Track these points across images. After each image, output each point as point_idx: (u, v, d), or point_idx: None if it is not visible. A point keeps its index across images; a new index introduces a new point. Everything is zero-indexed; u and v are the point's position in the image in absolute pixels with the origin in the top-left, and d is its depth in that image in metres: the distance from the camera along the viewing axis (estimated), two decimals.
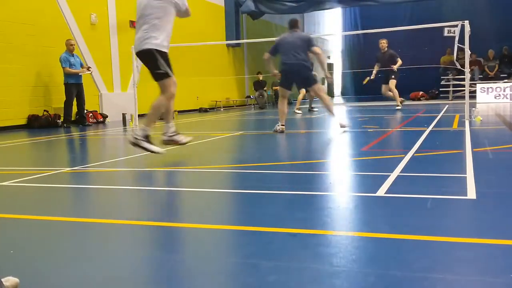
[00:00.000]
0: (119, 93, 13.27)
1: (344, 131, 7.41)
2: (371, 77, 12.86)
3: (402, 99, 13.03)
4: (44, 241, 2.53)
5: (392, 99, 12.89)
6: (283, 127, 7.74)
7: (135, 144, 4.89)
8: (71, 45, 11.01)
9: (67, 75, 10.79)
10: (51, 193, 3.84)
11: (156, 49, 4.77)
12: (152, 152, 4.88)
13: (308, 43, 7.68)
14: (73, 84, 10.86)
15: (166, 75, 4.79)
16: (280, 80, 8.01)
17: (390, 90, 12.71)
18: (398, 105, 12.59)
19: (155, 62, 4.75)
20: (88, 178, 4.51)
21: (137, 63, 11.37)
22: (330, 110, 7.99)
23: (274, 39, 10.47)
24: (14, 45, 10.30)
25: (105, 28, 12.77)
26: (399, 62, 12.56)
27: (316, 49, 7.68)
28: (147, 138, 4.78)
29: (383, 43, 12.79)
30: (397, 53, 12.68)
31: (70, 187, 4.11)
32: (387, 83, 12.69)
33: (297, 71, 7.67)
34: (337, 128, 7.68)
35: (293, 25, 7.93)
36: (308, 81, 7.91)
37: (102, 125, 11.40)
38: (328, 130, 8.62)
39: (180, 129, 7.34)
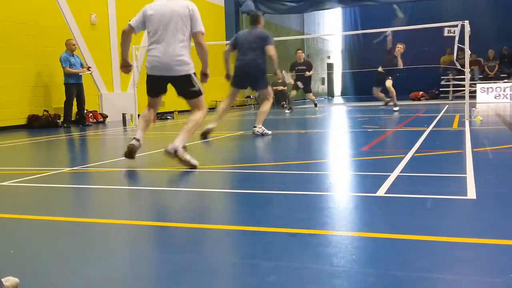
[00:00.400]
0: (119, 93, 13.27)
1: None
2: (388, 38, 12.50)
3: (389, 99, 12.62)
4: (44, 241, 2.53)
5: (385, 99, 12.67)
6: (209, 128, 7.12)
7: (178, 157, 4.51)
8: (73, 45, 11.01)
9: (67, 75, 10.78)
10: (51, 193, 3.84)
11: (194, 72, 4.81)
12: (192, 165, 4.48)
13: (264, 41, 7.26)
14: (73, 84, 10.85)
15: (201, 92, 4.86)
16: (232, 79, 7.66)
17: (381, 91, 12.47)
18: (395, 105, 12.26)
19: (192, 82, 4.78)
20: (88, 178, 4.51)
21: (137, 63, 11.39)
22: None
23: (274, 39, 10.55)
24: (14, 45, 10.30)
25: (105, 28, 12.77)
26: (401, 64, 12.30)
27: (270, 48, 7.23)
28: (185, 149, 4.58)
29: (400, 48, 12.45)
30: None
31: (70, 187, 4.11)
32: (378, 85, 12.45)
33: (251, 68, 7.32)
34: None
35: (253, 21, 7.52)
36: (257, 83, 7.50)
37: (102, 125, 11.40)
38: (328, 130, 8.63)
39: (180, 129, 7.34)
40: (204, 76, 4.95)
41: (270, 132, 7.46)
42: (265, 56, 7.37)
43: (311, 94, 14.46)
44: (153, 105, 5.08)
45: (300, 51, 14.16)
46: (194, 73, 4.80)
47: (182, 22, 4.70)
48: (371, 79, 12.60)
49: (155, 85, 4.92)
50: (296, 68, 13.76)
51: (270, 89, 7.67)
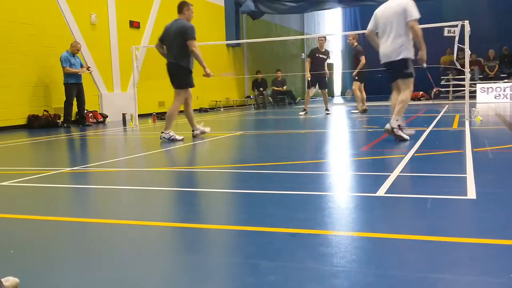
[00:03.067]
0: (119, 93, 13.27)
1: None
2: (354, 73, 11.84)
3: (366, 108, 11.94)
4: (44, 241, 2.53)
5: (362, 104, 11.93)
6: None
7: (393, 133, 5.81)
8: (78, 49, 11.01)
9: (67, 75, 10.78)
10: (51, 193, 3.84)
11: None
12: (404, 139, 5.76)
13: (183, 36, 6.69)
14: (73, 84, 10.85)
15: (412, 75, 6.00)
16: None
17: (358, 91, 11.83)
18: (357, 110, 11.55)
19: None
20: (88, 178, 4.51)
21: (137, 63, 11.39)
22: (191, 122, 7.25)
23: (273, 39, 10.52)
24: (14, 45, 10.30)
25: (105, 28, 12.77)
26: (361, 62, 11.53)
27: (191, 43, 6.66)
28: (399, 127, 5.81)
29: (350, 39, 11.86)
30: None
31: (70, 187, 4.11)
32: (356, 80, 11.82)
33: (171, 71, 6.94)
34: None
35: (179, 9, 6.93)
36: (177, 83, 6.99)
37: (102, 125, 11.40)
38: (328, 130, 8.62)
39: (180, 129, 7.34)
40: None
41: (180, 138, 6.91)
42: (183, 53, 6.81)
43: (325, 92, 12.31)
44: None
45: (322, 39, 12.19)
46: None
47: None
48: (371, 79, 12.58)
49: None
50: (317, 55, 11.90)
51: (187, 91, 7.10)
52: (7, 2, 10.17)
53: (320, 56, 11.84)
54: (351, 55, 12.05)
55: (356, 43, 11.90)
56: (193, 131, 7.29)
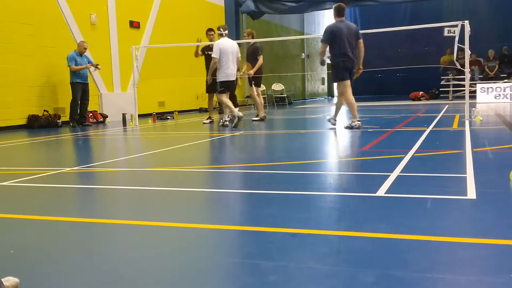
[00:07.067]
0: (119, 93, 13.26)
1: None
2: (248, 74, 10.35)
3: (264, 115, 10.58)
4: (45, 241, 2.53)
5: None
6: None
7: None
8: (85, 48, 11.04)
9: (73, 74, 10.81)
10: (51, 193, 3.84)
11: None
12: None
13: (357, 36, 8.19)
14: (79, 83, 10.89)
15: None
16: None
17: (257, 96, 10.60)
18: (258, 116, 10.38)
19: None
20: (88, 178, 4.51)
21: (137, 63, 11.39)
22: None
23: (273, 39, 10.55)
24: (14, 45, 10.30)
25: (105, 28, 12.76)
26: (259, 61, 10.14)
27: (362, 42, 8.09)
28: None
29: (245, 36, 10.66)
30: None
31: (70, 187, 4.11)
32: (253, 85, 10.48)
33: (351, 65, 7.94)
34: None
35: (341, 13, 8.46)
36: (352, 75, 8.11)
37: (102, 125, 11.40)
38: (328, 130, 8.62)
39: (180, 129, 7.34)
40: None
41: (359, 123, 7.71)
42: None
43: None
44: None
45: (211, 33, 11.05)
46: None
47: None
48: (370, 79, 12.53)
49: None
50: (206, 52, 10.79)
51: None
52: (7, 2, 10.16)
53: (209, 52, 10.17)
54: (247, 54, 10.33)
55: (253, 40, 10.43)
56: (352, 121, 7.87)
